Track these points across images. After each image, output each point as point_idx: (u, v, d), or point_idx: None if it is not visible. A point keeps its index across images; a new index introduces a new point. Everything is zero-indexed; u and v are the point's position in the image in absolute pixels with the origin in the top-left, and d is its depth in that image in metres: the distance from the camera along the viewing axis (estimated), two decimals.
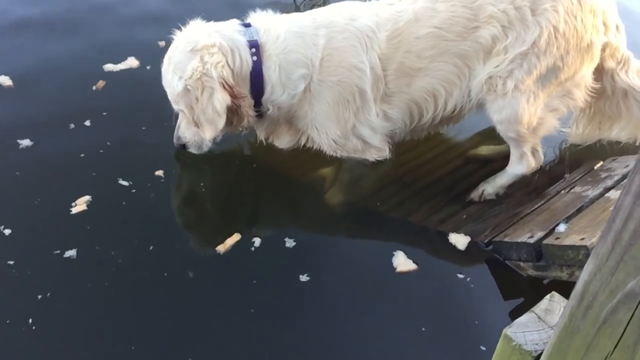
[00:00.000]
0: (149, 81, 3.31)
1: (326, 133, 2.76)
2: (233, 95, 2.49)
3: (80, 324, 2.17)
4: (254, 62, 2.54)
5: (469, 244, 2.57)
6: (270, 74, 2.58)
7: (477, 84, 2.61)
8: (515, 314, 2.25)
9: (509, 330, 1.43)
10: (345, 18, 2.61)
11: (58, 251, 2.41)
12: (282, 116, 2.75)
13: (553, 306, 1.48)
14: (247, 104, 2.61)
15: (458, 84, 2.63)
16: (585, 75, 2.61)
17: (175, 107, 2.62)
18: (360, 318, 2.29)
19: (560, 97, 2.64)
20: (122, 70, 3.54)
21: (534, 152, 2.78)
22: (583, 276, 1.21)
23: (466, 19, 2.51)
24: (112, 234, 2.53)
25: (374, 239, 2.72)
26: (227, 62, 2.48)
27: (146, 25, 4.05)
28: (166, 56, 2.58)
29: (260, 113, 2.72)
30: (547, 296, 1.50)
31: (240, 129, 2.85)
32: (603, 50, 2.59)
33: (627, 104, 2.75)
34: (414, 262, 2.48)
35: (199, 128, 2.58)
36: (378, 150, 2.82)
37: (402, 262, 2.48)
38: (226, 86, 2.46)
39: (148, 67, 3.53)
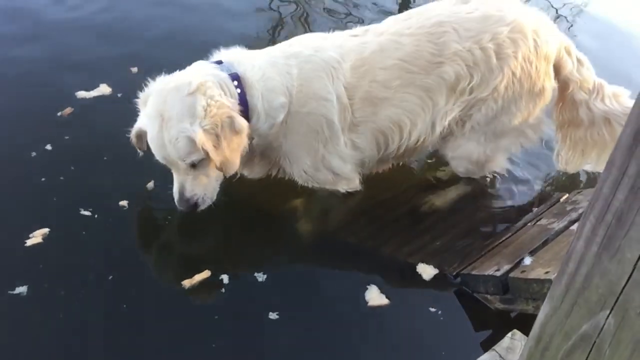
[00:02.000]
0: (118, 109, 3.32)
1: (297, 164, 2.76)
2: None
3: None
4: (238, 94, 2.50)
5: (440, 276, 2.58)
6: (255, 102, 2.54)
7: (442, 121, 2.68)
8: (484, 345, 2.24)
9: None
10: (310, 49, 2.62)
11: (8, 287, 2.32)
12: (259, 146, 2.72)
13: (514, 344, 1.49)
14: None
15: (422, 115, 2.68)
16: (539, 117, 2.74)
17: (186, 161, 2.35)
18: (328, 356, 2.27)
19: (513, 137, 2.78)
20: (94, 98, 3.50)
21: (481, 178, 2.96)
22: (539, 318, 1.23)
23: (430, 53, 2.56)
24: (69, 267, 2.46)
25: (345, 271, 2.70)
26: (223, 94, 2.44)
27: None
28: (151, 118, 2.36)
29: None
30: (509, 334, 1.51)
31: None
32: (567, 84, 2.69)
33: (611, 130, 2.78)
34: (386, 296, 2.47)
35: (223, 169, 2.43)
36: (348, 181, 2.83)
37: (374, 297, 2.47)
38: (239, 111, 2.44)
39: (119, 95, 3.51)
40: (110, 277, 2.44)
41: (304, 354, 2.28)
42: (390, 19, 2.75)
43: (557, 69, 2.67)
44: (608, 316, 1.09)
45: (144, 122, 2.42)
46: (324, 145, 2.68)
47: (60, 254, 2.51)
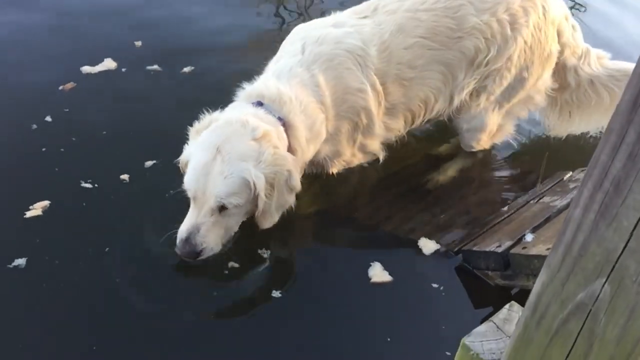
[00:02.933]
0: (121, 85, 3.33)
1: (338, 158, 2.76)
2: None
3: (26, 336, 2.11)
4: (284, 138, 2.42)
5: (441, 252, 2.60)
6: (300, 141, 2.45)
7: (458, 94, 2.70)
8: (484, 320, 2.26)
9: (467, 340, 1.45)
10: (330, 44, 2.52)
11: (6, 260, 2.34)
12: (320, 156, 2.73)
13: (512, 316, 1.49)
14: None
15: (443, 90, 2.71)
16: (546, 80, 2.78)
17: (223, 200, 2.20)
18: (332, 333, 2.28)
19: (522, 103, 2.82)
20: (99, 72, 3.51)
21: (485, 153, 3.00)
22: (536, 287, 1.23)
23: (449, 28, 2.56)
24: (68, 241, 2.46)
25: (347, 248, 2.71)
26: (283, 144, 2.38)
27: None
28: (205, 149, 2.24)
29: None
30: (507, 305, 1.51)
31: None
32: (563, 49, 2.73)
33: (596, 90, 2.88)
34: (389, 273, 2.48)
35: (261, 220, 2.35)
36: (376, 155, 2.85)
37: (377, 273, 2.48)
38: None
39: (123, 70, 3.51)
40: (108, 249, 2.44)
41: (308, 332, 2.28)
42: None
43: (558, 34, 2.70)
44: (604, 284, 1.09)
45: (192, 150, 2.31)
46: (362, 134, 2.71)
47: (60, 226, 2.52)
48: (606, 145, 1.01)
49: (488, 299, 2.48)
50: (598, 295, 1.11)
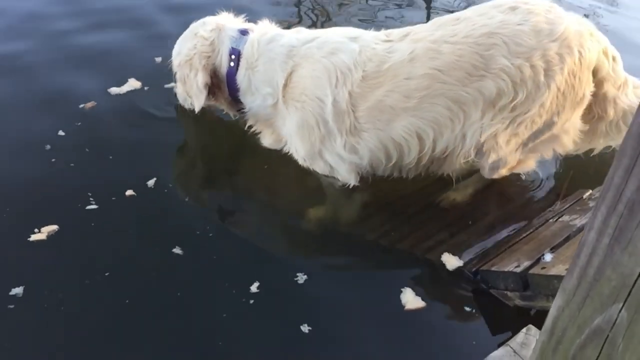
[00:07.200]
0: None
1: (296, 149, 2.90)
2: (214, 78, 2.97)
3: None
4: (230, 66, 2.93)
5: (458, 272, 2.56)
6: (240, 80, 2.93)
7: (475, 134, 2.62)
8: (502, 343, 2.22)
9: None
10: (325, 52, 2.69)
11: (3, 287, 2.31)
12: (260, 119, 3.05)
13: (529, 340, 1.47)
14: (224, 94, 3.05)
15: (450, 126, 2.62)
16: (574, 122, 2.70)
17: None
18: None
19: (547, 142, 2.74)
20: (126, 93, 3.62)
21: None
22: (552, 311, 1.21)
23: (473, 65, 2.49)
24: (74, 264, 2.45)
25: (370, 272, 2.67)
26: (212, 55, 2.95)
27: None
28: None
29: (241, 109, 3.07)
30: (524, 329, 1.49)
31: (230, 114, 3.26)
32: (603, 84, 2.66)
33: (626, 121, 2.78)
34: (421, 299, 2.42)
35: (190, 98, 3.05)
36: (343, 178, 2.87)
37: (410, 300, 2.41)
38: (208, 71, 2.93)
39: (146, 88, 3.63)
40: (108, 273, 2.42)
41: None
42: (437, 21, 2.66)
43: (595, 72, 2.62)
44: (621, 309, 1.07)
45: None
46: (320, 141, 2.77)
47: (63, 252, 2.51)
48: (619, 168, 1.00)
49: (506, 321, 2.40)
50: (615, 321, 1.09)
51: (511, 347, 1.45)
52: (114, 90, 3.60)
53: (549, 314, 1.21)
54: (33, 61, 3.88)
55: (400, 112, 2.60)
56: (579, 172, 3.09)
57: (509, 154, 2.70)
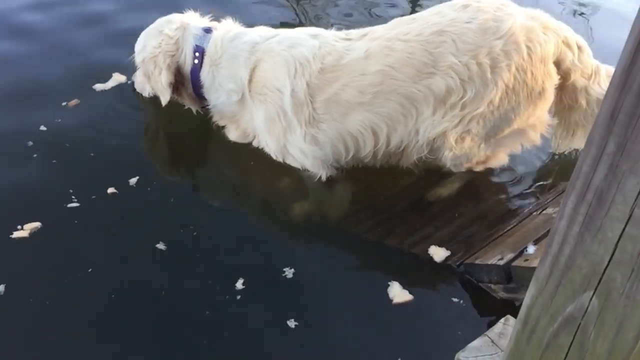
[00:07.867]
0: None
1: (267, 143, 2.93)
2: (177, 76, 2.98)
3: None
4: (194, 64, 2.94)
5: (444, 265, 2.57)
6: (204, 77, 2.95)
7: (427, 131, 2.66)
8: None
9: (461, 355, 1.44)
10: (285, 45, 2.77)
11: None
12: (225, 115, 3.08)
13: (507, 330, 1.48)
14: (187, 90, 3.06)
15: (402, 121, 2.66)
16: (540, 117, 2.72)
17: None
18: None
19: (513, 137, 2.77)
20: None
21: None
22: (526, 300, 1.22)
23: (423, 62, 2.53)
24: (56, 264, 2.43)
25: (357, 267, 2.67)
26: (176, 54, 2.95)
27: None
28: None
29: (205, 105, 3.10)
30: (502, 319, 1.50)
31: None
32: (569, 74, 2.66)
33: None
34: (409, 292, 2.42)
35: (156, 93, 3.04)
36: (313, 171, 2.89)
37: (398, 294, 2.42)
38: (172, 70, 2.93)
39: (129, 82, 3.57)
40: (91, 269, 2.41)
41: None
42: (395, 22, 2.74)
43: (558, 63, 2.64)
44: (592, 297, 1.08)
45: None
46: (283, 133, 2.80)
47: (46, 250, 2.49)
48: (587, 157, 1.01)
49: (492, 312, 2.42)
50: (587, 309, 1.10)
51: (489, 337, 1.46)
52: (98, 86, 3.54)
53: (523, 303, 1.22)
54: (16, 54, 3.83)
55: (356, 106, 2.65)
56: (565, 168, 3.11)
57: (469, 150, 2.73)
